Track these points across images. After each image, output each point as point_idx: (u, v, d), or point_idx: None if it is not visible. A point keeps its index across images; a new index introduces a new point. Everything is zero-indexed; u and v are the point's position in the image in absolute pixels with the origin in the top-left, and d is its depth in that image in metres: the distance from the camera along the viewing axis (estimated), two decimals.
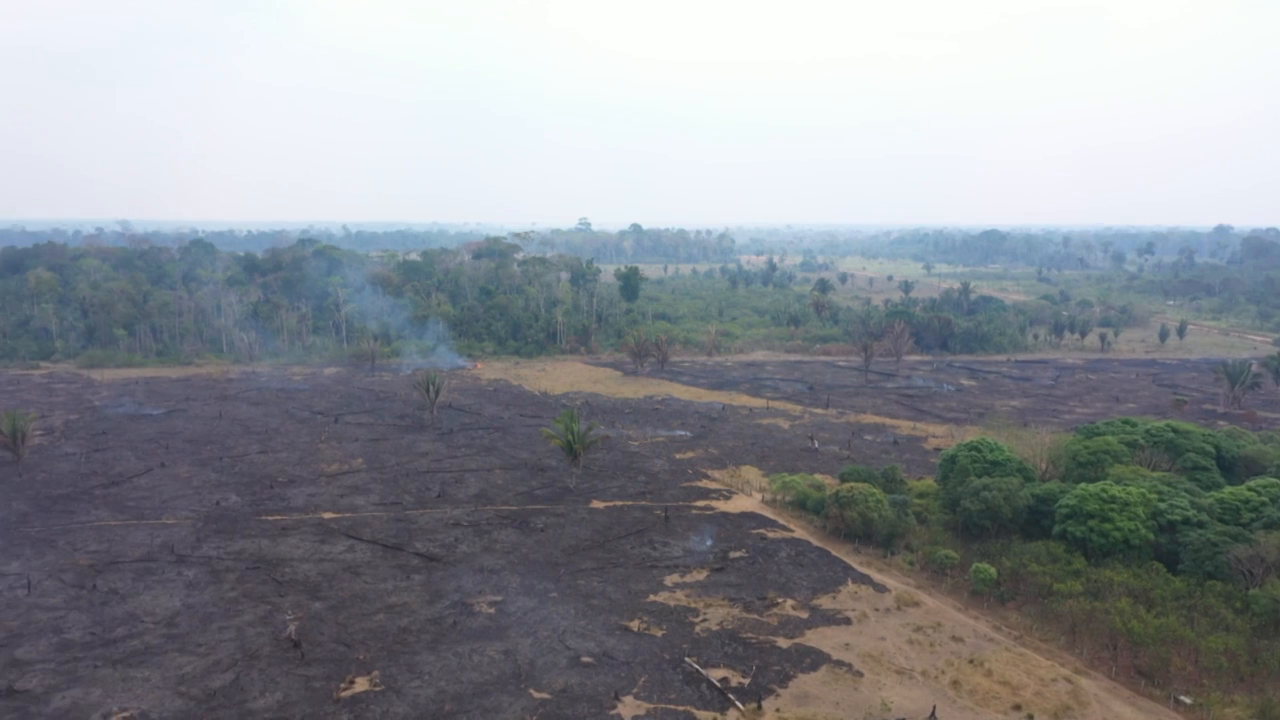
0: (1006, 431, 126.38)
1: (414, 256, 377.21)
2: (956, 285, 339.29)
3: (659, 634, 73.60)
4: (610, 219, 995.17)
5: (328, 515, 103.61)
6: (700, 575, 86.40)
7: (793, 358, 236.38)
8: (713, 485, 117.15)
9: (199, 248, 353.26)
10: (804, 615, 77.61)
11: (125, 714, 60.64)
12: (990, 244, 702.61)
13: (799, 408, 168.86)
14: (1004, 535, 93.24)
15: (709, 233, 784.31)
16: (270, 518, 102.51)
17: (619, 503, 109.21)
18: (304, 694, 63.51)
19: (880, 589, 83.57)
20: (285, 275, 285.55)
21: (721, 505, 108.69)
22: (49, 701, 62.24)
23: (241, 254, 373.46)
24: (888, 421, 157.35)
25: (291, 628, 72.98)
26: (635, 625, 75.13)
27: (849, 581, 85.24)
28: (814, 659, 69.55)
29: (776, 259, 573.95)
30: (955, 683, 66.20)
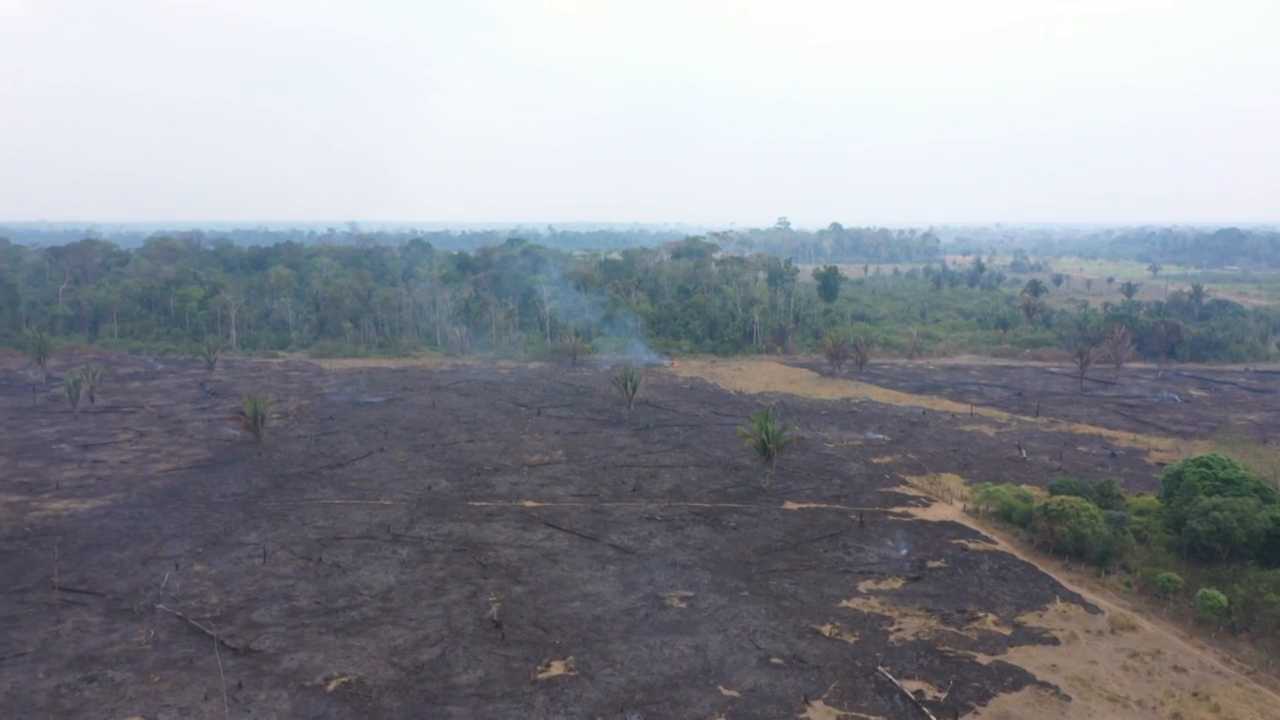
0: (1242, 448, 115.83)
1: (615, 255, 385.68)
2: (1187, 288, 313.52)
3: (851, 640, 72.22)
4: (809, 218, 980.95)
5: (529, 503, 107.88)
6: (895, 583, 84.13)
7: (1000, 362, 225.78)
8: (911, 492, 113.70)
9: (417, 247, 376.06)
10: (1007, 632, 74.09)
11: (344, 679, 65.41)
12: (1227, 243, 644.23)
13: (1006, 414, 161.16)
14: (1236, 560, 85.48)
15: (912, 232, 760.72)
16: (476, 503, 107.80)
17: (812, 505, 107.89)
18: (504, 673, 66.47)
19: (1092, 610, 78.61)
20: (494, 273, 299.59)
21: (920, 513, 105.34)
22: (279, 662, 68.05)
23: (455, 253, 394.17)
24: (1104, 432, 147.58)
25: (494, 609, 76.51)
26: (827, 630, 74.07)
27: (1057, 600, 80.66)
28: (1017, 678, 66.27)
29: (984, 259, 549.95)
30: (1176, 715, 61.36)
